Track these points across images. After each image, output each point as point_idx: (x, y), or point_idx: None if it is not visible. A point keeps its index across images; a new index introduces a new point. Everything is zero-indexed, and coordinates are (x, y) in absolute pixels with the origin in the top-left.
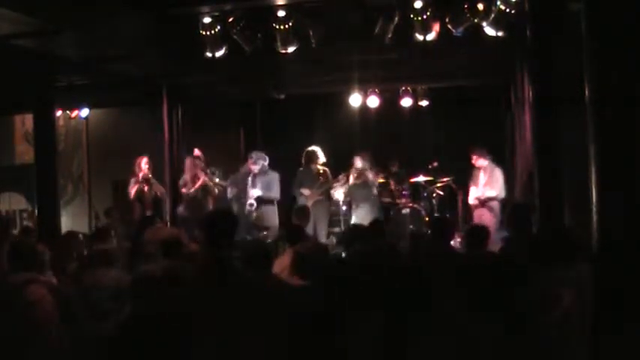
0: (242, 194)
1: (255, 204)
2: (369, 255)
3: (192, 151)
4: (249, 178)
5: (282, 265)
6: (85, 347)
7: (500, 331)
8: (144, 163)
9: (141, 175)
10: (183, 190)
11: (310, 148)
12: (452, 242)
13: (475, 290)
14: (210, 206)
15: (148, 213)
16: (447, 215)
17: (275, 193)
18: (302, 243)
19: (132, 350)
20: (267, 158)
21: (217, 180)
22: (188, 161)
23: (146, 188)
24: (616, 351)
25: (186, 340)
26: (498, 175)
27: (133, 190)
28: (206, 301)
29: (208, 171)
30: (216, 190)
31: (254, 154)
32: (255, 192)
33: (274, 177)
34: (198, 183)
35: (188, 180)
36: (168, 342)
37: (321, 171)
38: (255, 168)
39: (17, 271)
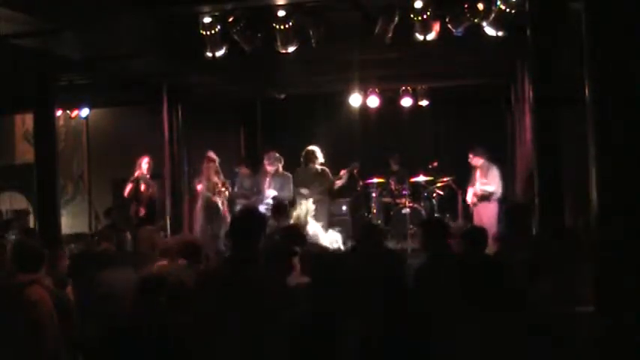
0: (249, 194)
1: (271, 204)
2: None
3: (207, 154)
4: (266, 179)
5: None
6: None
7: (501, 331)
8: (144, 163)
9: (137, 174)
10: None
11: (309, 148)
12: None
13: (476, 290)
14: (224, 208)
15: (143, 212)
16: (446, 216)
17: (288, 193)
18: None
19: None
20: (282, 160)
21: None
22: (204, 164)
23: (143, 187)
24: (616, 351)
25: (193, 340)
26: (495, 172)
27: (127, 190)
28: (220, 301)
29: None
30: (227, 193)
31: (271, 156)
32: (270, 192)
33: (288, 178)
34: (200, 186)
35: (203, 182)
36: (175, 343)
37: (320, 170)
38: (272, 169)
39: (19, 272)
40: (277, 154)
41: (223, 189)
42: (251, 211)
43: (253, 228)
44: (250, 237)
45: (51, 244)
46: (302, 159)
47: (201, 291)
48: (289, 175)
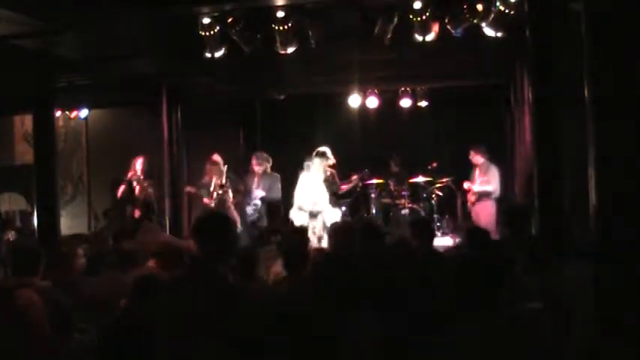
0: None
1: (259, 204)
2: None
3: (212, 155)
4: (254, 179)
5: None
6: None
7: (499, 332)
8: (138, 164)
9: (130, 175)
10: (194, 191)
11: (321, 149)
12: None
13: (474, 290)
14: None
15: (138, 213)
16: (445, 217)
17: (277, 194)
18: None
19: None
20: (270, 160)
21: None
22: (207, 166)
23: (137, 189)
24: (616, 351)
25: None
26: (494, 172)
27: (119, 191)
28: (184, 307)
29: (224, 177)
30: (231, 195)
31: (259, 156)
32: (259, 193)
33: (276, 178)
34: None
35: (205, 185)
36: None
37: (328, 172)
38: (259, 169)
39: (13, 274)
40: (265, 154)
41: (221, 191)
42: (215, 213)
43: (218, 230)
44: (216, 238)
45: (66, 244)
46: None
47: (171, 294)
48: (277, 175)
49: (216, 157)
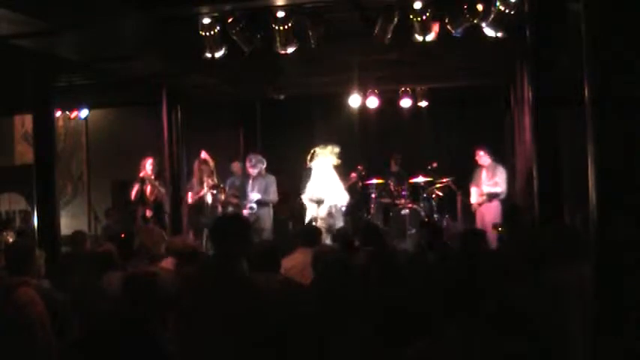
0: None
1: (255, 207)
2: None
3: (199, 154)
4: (249, 182)
5: (291, 262)
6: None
7: (498, 332)
8: (148, 164)
9: (142, 175)
10: (190, 193)
11: (330, 147)
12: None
13: (472, 291)
14: (219, 210)
15: (150, 214)
16: (445, 217)
17: (273, 196)
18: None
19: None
20: (264, 161)
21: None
22: (195, 165)
23: (148, 189)
24: (615, 352)
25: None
26: (501, 173)
27: (133, 191)
28: (204, 303)
29: (215, 176)
30: (223, 196)
31: (252, 158)
32: (254, 195)
33: (272, 180)
34: (202, 191)
35: (195, 184)
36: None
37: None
38: (254, 171)
39: (11, 274)
40: (259, 156)
41: (214, 191)
42: (233, 213)
43: (234, 230)
44: (232, 238)
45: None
46: (309, 158)
47: (186, 293)
48: (273, 177)
49: (205, 156)
